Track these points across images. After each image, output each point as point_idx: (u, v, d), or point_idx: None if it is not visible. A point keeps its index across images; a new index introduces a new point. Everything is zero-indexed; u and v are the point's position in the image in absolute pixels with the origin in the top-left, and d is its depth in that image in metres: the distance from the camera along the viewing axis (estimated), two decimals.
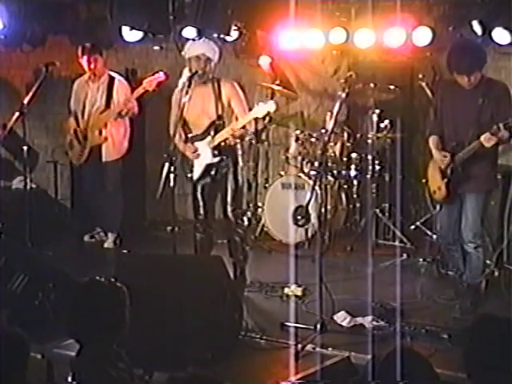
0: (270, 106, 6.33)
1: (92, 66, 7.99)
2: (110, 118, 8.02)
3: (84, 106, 8.17)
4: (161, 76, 7.35)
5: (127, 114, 8.00)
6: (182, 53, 6.74)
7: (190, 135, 6.68)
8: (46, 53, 8.14)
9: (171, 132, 6.49)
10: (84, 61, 8.00)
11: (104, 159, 8.12)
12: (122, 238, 8.27)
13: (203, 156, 6.61)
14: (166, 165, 6.01)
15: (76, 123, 8.20)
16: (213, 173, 6.62)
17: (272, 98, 8.13)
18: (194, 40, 7.30)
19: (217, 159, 6.59)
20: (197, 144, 6.63)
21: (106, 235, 8.39)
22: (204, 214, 6.73)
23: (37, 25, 7.90)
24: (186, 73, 6.57)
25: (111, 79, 8.11)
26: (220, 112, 6.55)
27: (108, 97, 8.05)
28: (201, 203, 6.72)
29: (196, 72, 6.44)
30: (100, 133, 8.07)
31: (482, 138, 5.87)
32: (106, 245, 8.30)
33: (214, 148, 6.56)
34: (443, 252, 6.80)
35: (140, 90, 7.64)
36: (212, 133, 6.55)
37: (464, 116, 6.08)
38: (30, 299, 5.76)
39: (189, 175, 6.67)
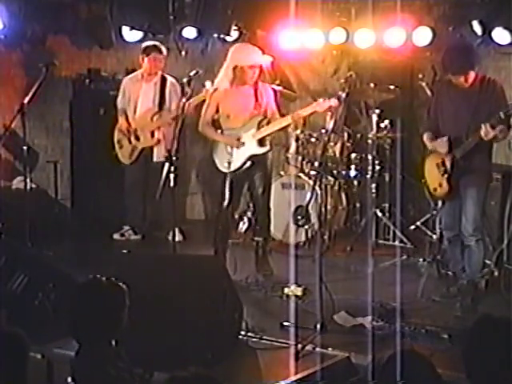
0: (333, 101, 6.64)
1: (153, 66, 7.95)
2: (164, 122, 7.96)
3: (136, 106, 8.12)
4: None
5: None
6: (228, 57, 6.81)
7: (226, 127, 6.90)
8: (46, 53, 8.14)
9: (200, 127, 6.89)
10: (146, 60, 7.95)
11: (155, 159, 8.05)
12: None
13: (247, 147, 6.82)
14: (166, 165, 6.01)
15: (127, 122, 8.16)
16: (253, 163, 6.83)
17: None
18: (234, 42, 7.57)
19: (264, 149, 6.85)
20: (240, 135, 6.85)
21: (136, 234, 8.30)
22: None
23: (37, 25, 7.91)
24: (229, 74, 6.74)
25: (163, 80, 8.05)
26: (260, 108, 6.83)
27: (161, 98, 8.00)
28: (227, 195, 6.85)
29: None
30: (152, 134, 8.04)
31: (482, 131, 5.89)
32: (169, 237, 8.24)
33: (260, 140, 6.81)
34: (443, 251, 6.80)
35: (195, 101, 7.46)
36: (255, 126, 6.80)
37: (461, 114, 6.12)
38: (30, 299, 5.75)
39: (225, 165, 6.75)
